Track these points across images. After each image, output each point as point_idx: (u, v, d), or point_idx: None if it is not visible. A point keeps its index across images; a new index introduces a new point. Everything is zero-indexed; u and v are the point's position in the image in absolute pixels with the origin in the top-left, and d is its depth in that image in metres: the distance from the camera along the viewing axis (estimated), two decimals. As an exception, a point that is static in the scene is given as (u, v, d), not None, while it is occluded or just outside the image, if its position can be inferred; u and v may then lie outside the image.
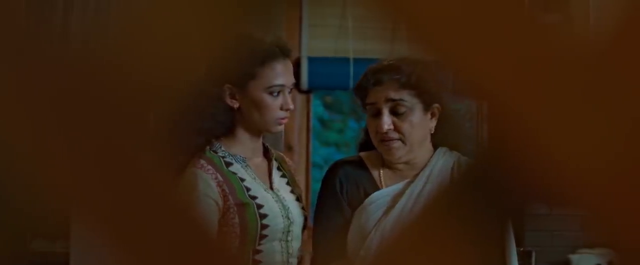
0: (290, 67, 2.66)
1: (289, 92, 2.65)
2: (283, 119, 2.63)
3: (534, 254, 5.31)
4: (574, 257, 5.27)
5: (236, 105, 2.62)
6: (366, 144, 2.67)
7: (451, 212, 0.78)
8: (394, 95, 2.50)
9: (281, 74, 2.62)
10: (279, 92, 2.61)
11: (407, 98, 2.51)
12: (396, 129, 2.51)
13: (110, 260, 0.77)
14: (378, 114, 2.52)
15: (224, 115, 2.63)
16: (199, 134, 2.62)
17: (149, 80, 0.77)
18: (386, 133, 2.50)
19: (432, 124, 2.57)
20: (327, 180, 2.63)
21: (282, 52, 2.64)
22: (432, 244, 0.78)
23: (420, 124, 2.54)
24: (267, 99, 2.60)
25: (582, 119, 0.72)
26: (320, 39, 5.69)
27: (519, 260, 2.74)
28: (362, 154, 2.65)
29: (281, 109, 2.61)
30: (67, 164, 0.75)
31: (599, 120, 0.72)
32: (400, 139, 2.52)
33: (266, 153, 2.74)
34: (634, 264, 0.73)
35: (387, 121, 2.50)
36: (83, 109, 0.75)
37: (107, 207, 0.76)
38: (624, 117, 0.71)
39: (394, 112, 2.51)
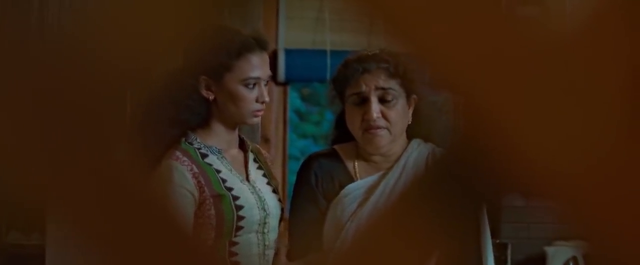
0: (266, 59, 2.65)
1: (265, 85, 2.64)
2: (259, 111, 2.63)
3: (510, 246, 5.33)
4: (549, 249, 5.30)
5: (211, 96, 2.61)
6: (337, 139, 2.67)
7: (424, 201, 0.78)
8: (383, 83, 2.50)
9: (257, 66, 2.61)
10: (254, 85, 2.60)
11: (395, 87, 2.51)
12: (384, 116, 2.51)
13: (84, 253, 0.77)
14: (363, 103, 2.51)
15: (199, 107, 2.63)
16: (175, 125, 2.62)
17: (123, 71, 0.77)
18: (374, 121, 2.50)
19: (410, 114, 2.58)
20: (302, 174, 2.63)
21: (259, 44, 2.63)
22: (406, 233, 0.78)
23: (404, 113, 2.54)
24: (243, 91, 2.60)
25: (556, 111, 0.72)
26: (297, 31, 5.68)
27: (494, 252, 2.75)
28: (336, 146, 2.65)
29: (257, 101, 2.61)
30: (41, 157, 0.75)
31: (573, 113, 0.72)
32: (387, 128, 2.51)
33: (242, 145, 2.74)
34: (607, 255, 0.74)
35: (376, 109, 2.49)
36: (58, 101, 0.75)
37: (81, 200, 0.76)
38: (597, 110, 0.71)
39: (382, 101, 2.51)
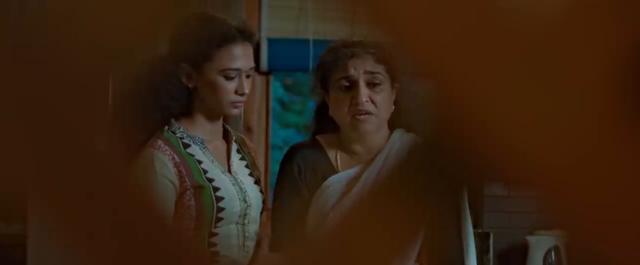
0: (250, 51, 2.64)
1: (248, 77, 2.63)
2: (238, 102, 2.62)
3: (491, 236, 5.35)
4: (531, 239, 5.32)
5: (192, 85, 2.61)
6: (318, 130, 2.67)
7: (404, 189, 0.78)
8: (371, 67, 2.51)
9: (238, 57, 2.60)
10: (234, 76, 2.59)
11: (382, 72, 2.52)
12: (372, 101, 2.51)
13: (66, 242, 0.76)
14: (351, 88, 2.51)
15: (180, 94, 2.62)
16: (156, 111, 2.61)
17: (105, 55, 0.77)
18: (362, 105, 2.49)
19: (392, 101, 2.58)
20: (285, 165, 2.63)
21: (243, 35, 2.62)
22: (385, 220, 0.78)
23: (389, 99, 2.55)
24: (221, 81, 2.58)
25: (536, 100, 0.72)
26: (280, 20, 5.67)
27: (476, 242, 2.76)
28: (318, 137, 2.65)
29: (236, 92, 2.60)
30: (22, 145, 0.74)
31: (554, 102, 0.72)
32: (374, 114, 2.52)
33: (226, 135, 2.74)
34: (588, 244, 0.74)
35: (365, 93, 2.50)
36: (39, 88, 0.75)
37: (62, 189, 0.75)
38: (578, 98, 0.71)
39: (369, 85, 2.51)
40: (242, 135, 2.90)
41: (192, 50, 2.58)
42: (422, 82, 0.78)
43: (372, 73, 2.50)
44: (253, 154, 2.83)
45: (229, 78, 2.58)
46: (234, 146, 2.73)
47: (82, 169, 0.76)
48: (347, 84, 2.51)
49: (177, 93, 2.61)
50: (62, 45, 0.74)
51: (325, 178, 2.57)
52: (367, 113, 2.50)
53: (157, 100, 2.60)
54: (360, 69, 2.51)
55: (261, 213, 2.72)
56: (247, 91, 2.61)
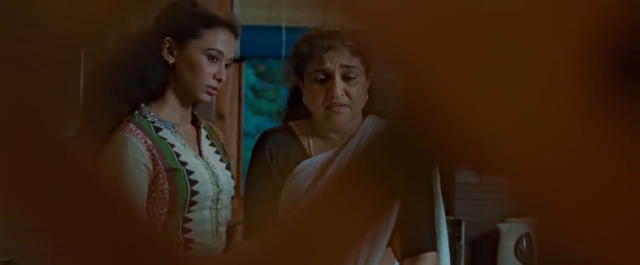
0: (233, 42, 2.68)
1: (227, 66, 2.65)
2: (213, 88, 2.63)
3: (463, 223, 5.38)
4: (503, 226, 5.36)
5: (171, 60, 2.61)
6: (290, 116, 2.67)
7: (371, 172, 0.78)
8: (347, 61, 2.51)
9: (224, 42, 2.63)
10: (216, 59, 2.61)
11: (358, 65, 2.52)
12: (347, 94, 2.51)
13: (32, 230, 0.76)
14: (327, 80, 2.51)
15: (158, 70, 2.62)
16: (134, 83, 2.61)
17: (75, 33, 0.75)
18: (338, 99, 2.50)
19: (366, 90, 2.59)
20: (257, 150, 2.63)
21: (231, 27, 2.65)
22: (352, 202, 0.78)
23: (364, 90, 2.55)
24: (203, 61, 2.61)
25: (506, 85, 0.72)
26: (252, 8, 5.66)
27: (448, 229, 2.77)
28: (291, 123, 2.65)
29: (214, 77, 2.61)
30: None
31: (523, 87, 0.72)
32: (348, 105, 2.52)
33: (195, 121, 2.74)
34: (557, 231, 0.74)
35: (340, 86, 2.50)
36: (5, 66, 0.73)
37: (28, 175, 0.75)
38: (548, 84, 0.71)
39: (345, 78, 2.51)
40: (211, 123, 2.91)
41: (180, 24, 2.61)
42: (393, 69, 0.77)
43: (348, 67, 2.50)
44: (222, 141, 2.84)
45: (211, 58, 2.60)
46: (203, 132, 2.74)
47: (50, 153, 0.75)
48: (323, 76, 2.51)
49: (157, 69, 2.61)
50: (31, 22, 0.73)
51: (297, 163, 2.57)
52: (342, 105, 2.51)
53: (136, 73, 2.60)
54: (336, 62, 2.51)
55: (232, 199, 2.72)
56: (224, 78, 2.63)
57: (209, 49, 2.60)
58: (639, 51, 0.74)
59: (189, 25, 2.61)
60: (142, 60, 2.60)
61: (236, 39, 2.69)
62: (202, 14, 2.62)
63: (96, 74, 2.57)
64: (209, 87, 2.62)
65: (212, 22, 2.62)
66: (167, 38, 2.61)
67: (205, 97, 2.64)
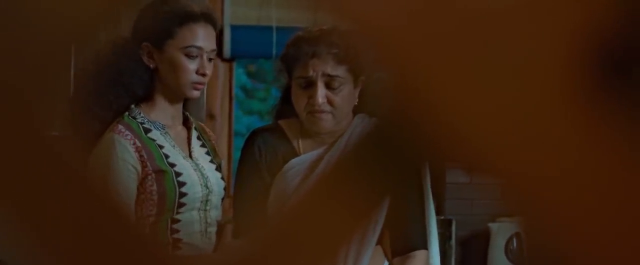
0: (212, 34, 2.64)
1: (210, 60, 2.63)
2: (199, 84, 2.61)
3: (454, 222, 5.38)
4: (493, 226, 5.36)
5: (153, 65, 2.60)
6: (282, 113, 2.66)
7: (360, 170, 0.78)
8: (331, 70, 2.49)
9: (201, 37, 2.60)
10: (196, 56, 2.59)
11: (342, 73, 2.51)
12: (329, 102, 2.50)
13: (19, 231, 0.75)
14: (310, 86, 2.50)
15: (142, 76, 2.61)
16: (119, 90, 2.60)
17: (65, 31, 0.75)
18: (319, 106, 2.49)
19: (356, 95, 2.58)
20: (246, 148, 2.62)
21: (206, 18, 2.62)
22: (341, 200, 0.78)
23: (350, 96, 2.54)
24: (183, 60, 2.59)
25: (495, 84, 0.72)
26: (243, 7, 5.65)
27: (439, 229, 2.77)
28: (280, 121, 2.65)
29: (197, 72, 2.60)
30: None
31: (512, 87, 0.72)
32: (331, 112, 2.51)
33: (186, 122, 2.73)
34: (547, 230, 0.74)
35: (322, 94, 2.49)
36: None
37: (14, 175, 0.74)
38: (537, 83, 0.71)
39: (328, 86, 2.50)
40: (202, 124, 2.89)
41: (155, 27, 2.58)
42: (383, 68, 0.77)
43: (330, 76, 2.49)
44: (213, 141, 2.83)
45: (190, 56, 2.58)
46: (195, 133, 2.73)
47: (37, 154, 0.75)
48: (306, 83, 2.51)
49: (139, 74, 2.60)
50: (22, 20, 0.73)
51: (286, 161, 2.57)
52: (323, 112, 2.50)
53: (119, 79, 2.59)
54: (319, 70, 2.49)
55: (222, 199, 2.71)
56: (208, 72, 2.61)
57: (186, 47, 2.58)
58: (630, 50, 0.74)
59: (162, 26, 2.58)
60: (124, 68, 2.59)
61: (214, 28, 2.65)
62: (174, 12, 2.59)
63: (82, 78, 2.56)
64: (194, 83, 2.60)
65: (184, 18, 2.59)
66: (145, 43, 2.59)
67: (194, 93, 2.63)
